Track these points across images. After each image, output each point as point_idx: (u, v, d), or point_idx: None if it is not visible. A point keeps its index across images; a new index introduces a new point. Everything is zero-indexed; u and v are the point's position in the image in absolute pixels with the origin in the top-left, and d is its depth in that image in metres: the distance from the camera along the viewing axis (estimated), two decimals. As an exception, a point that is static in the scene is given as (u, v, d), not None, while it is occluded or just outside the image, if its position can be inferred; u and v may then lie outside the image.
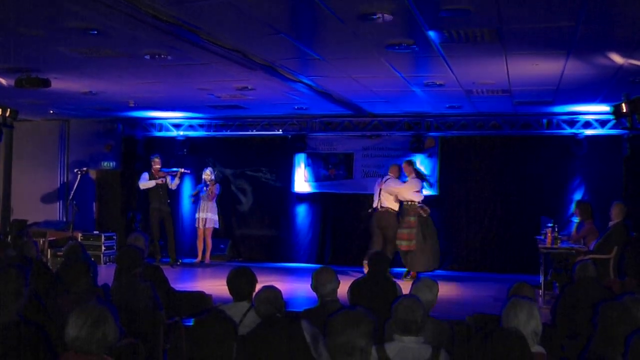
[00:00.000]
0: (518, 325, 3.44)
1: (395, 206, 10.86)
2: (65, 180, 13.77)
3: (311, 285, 4.98)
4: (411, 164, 11.17)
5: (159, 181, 12.24)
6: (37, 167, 13.79)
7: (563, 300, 5.88)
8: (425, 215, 10.79)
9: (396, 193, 10.81)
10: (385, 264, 6.16)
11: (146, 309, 5.08)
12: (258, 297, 4.34)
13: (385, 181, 10.93)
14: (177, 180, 12.48)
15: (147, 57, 7.30)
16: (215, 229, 12.51)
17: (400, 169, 11.11)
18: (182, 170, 12.53)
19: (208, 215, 12.38)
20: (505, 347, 3.00)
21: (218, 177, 12.91)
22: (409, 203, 10.77)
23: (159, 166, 12.35)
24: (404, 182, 10.95)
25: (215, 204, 12.47)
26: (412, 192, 10.80)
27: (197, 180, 12.90)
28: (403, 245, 10.68)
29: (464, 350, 4.21)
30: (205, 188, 12.36)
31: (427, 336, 3.96)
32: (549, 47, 6.68)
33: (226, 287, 4.75)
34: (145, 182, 12.29)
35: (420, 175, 11.14)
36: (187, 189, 13.30)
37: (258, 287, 4.62)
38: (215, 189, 12.39)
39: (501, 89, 9.03)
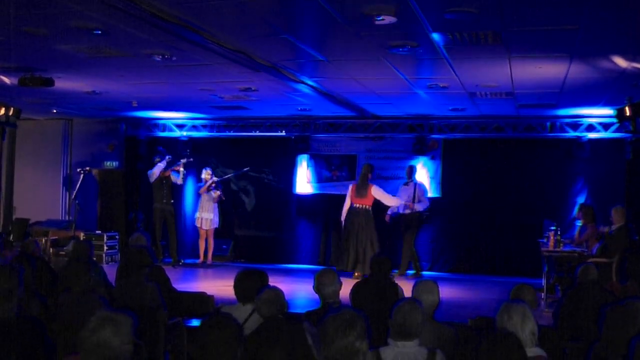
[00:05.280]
0: (515, 329, 3.41)
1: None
2: (68, 180, 13.79)
3: (313, 286, 4.97)
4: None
5: (161, 165, 12.13)
6: (40, 166, 13.82)
7: (565, 304, 5.87)
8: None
9: None
10: (387, 266, 6.15)
11: (149, 310, 5.07)
12: (260, 298, 4.31)
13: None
14: (181, 175, 12.44)
15: (151, 57, 7.31)
16: (216, 229, 12.47)
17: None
18: (184, 161, 12.49)
19: (209, 216, 12.32)
20: (501, 350, 2.98)
21: (219, 176, 12.92)
22: None
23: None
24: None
25: (216, 204, 12.44)
26: None
27: (199, 180, 12.88)
28: None
29: (464, 353, 4.20)
30: (212, 190, 12.30)
31: (427, 339, 3.94)
32: (553, 50, 6.68)
33: (228, 287, 4.70)
34: (151, 172, 12.26)
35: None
36: (190, 188, 13.30)
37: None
38: (219, 191, 12.38)
39: (504, 92, 9.03)
